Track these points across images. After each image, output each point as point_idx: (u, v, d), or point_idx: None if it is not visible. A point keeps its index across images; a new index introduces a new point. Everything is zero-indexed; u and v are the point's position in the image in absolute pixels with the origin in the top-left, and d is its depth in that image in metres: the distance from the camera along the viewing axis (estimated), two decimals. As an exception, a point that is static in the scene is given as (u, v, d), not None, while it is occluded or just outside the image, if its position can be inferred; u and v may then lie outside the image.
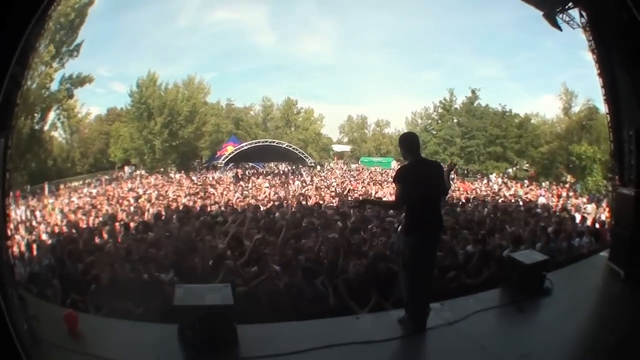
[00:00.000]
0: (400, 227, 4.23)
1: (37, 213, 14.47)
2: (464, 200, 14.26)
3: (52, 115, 24.34)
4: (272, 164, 31.95)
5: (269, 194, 18.35)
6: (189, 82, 29.43)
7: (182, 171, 26.95)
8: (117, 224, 9.22)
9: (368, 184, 23.60)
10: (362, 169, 31.44)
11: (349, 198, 15.74)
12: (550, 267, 4.58)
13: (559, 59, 38.46)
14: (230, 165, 28.29)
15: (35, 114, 21.16)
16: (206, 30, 43.70)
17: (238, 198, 16.62)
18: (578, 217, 10.95)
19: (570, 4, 8.16)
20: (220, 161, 27.35)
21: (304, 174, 27.88)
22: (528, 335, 3.47)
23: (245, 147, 27.30)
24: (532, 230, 7.08)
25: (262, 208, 10.64)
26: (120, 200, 16.37)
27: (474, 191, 21.26)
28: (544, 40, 36.84)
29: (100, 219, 11.61)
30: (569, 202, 17.57)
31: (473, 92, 31.42)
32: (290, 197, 16.93)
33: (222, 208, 12.33)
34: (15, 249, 7.30)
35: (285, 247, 5.41)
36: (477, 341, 3.34)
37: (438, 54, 48.02)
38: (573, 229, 7.63)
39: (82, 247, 6.26)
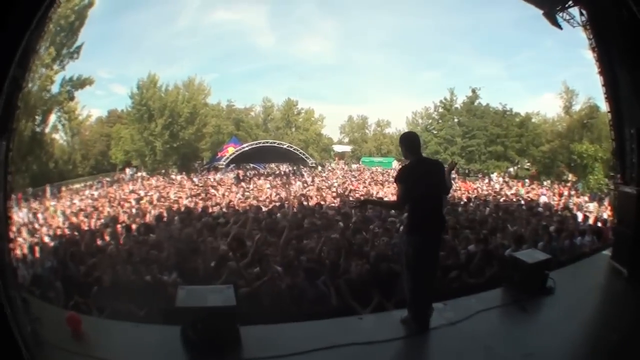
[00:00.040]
0: (402, 228, 4.23)
1: (39, 215, 14.44)
2: (465, 200, 14.24)
3: (53, 118, 24.65)
4: (273, 165, 31.93)
5: (271, 195, 18.30)
6: (189, 84, 29.49)
7: (183, 173, 26.88)
8: (118, 225, 9.21)
9: (369, 184, 23.53)
10: (363, 169, 31.40)
11: (350, 198, 15.72)
12: (553, 266, 4.55)
13: (560, 57, 38.76)
14: (232, 166, 28.30)
15: (37, 117, 21.21)
16: (206, 32, 44.02)
17: (239, 199, 16.55)
18: (580, 216, 10.90)
19: (570, 2, 8.17)
20: (221, 162, 27.42)
21: (305, 174, 27.86)
22: (531, 335, 3.47)
23: (246, 148, 27.41)
24: (534, 229, 7.06)
25: (263, 209, 10.64)
26: (122, 202, 16.34)
27: (475, 191, 21.20)
28: (544, 39, 36.99)
29: (102, 221, 11.60)
30: (570, 200, 17.50)
31: (473, 91, 31.51)
32: (291, 197, 16.87)
33: (224, 209, 12.27)
34: (18, 251, 7.30)
35: (287, 248, 5.41)
36: (479, 341, 3.33)
37: (438, 54, 48.27)
38: (575, 228, 7.61)
39: (84, 249, 6.28)
